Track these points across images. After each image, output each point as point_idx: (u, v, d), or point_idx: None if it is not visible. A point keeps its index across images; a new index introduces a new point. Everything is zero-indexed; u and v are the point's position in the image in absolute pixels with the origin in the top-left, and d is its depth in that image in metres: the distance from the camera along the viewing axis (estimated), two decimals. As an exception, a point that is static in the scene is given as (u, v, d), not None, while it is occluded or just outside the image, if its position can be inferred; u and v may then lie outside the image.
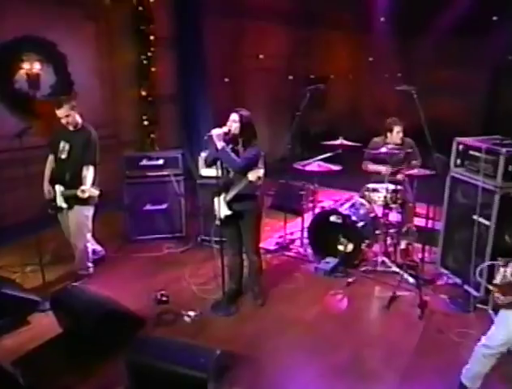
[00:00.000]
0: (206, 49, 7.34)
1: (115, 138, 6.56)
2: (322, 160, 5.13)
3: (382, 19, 9.56)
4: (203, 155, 5.09)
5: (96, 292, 3.81)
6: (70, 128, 4.27)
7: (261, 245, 4.30)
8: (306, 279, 4.57)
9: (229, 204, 3.86)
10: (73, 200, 4.20)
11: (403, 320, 3.87)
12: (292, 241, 5.42)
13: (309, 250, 5.08)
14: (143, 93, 6.88)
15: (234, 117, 3.75)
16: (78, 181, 4.14)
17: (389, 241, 4.93)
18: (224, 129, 3.74)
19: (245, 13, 8.16)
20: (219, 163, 3.79)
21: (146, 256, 5.06)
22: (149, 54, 6.80)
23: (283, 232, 5.43)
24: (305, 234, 5.16)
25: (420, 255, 4.73)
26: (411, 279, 4.37)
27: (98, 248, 4.85)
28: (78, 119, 4.28)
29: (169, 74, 7.23)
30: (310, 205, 5.66)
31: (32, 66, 5.68)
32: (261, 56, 8.72)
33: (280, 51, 9.10)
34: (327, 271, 4.62)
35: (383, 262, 4.72)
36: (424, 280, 4.36)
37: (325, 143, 5.04)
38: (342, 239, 4.77)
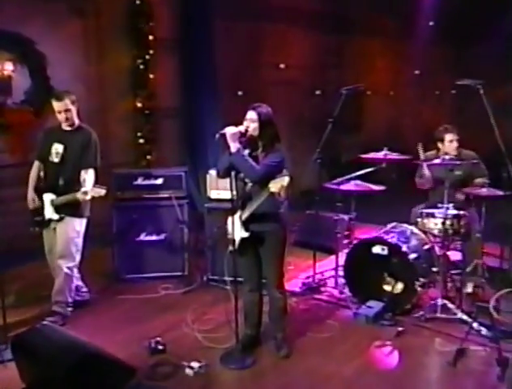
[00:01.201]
0: (216, 55, 7.53)
1: (103, 160, 6.56)
2: (360, 177, 5.14)
3: (431, 23, 9.75)
4: (213, 172, 5.18)
5: (73, 335, 3.69)
6: (66, 127, 4.46)
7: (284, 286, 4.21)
8: (343, 327, 4.49)
9: (246, 224, 3.81)
10: (65, 210, 4.37)
11: (475, 381, 3.74)
12: (324, 281, 5.37)
13: (347, 292, 5.02)
14: (139, 105, 7.01)
15: (251, 115, 3.74)
16: (73, 187, 4.32)
17: (450, 281, 4.83)
18: (241, 128, 3.74)
19: (264, 14, 8.40)
20: (233, 173, 3.80)
21: (138, 298, 5.02)
22: (147, 58, 6.98)
23: (312, 272, 5.37)
24: (341, 272, 5.11)
25: (493, 301, 4.55)
26: (484, 331, 4.19)
27: (83, 287, 4.84)
28: (76, 118, 4.48)
29: (171, 82, 7.39)
30: (347, 241, 5.59)
31: (2, 67, 5.85)
32: (282, 66, 8.90)
33: (305, 60, 9.30)
34: (370, 317, 4.52)
35: (444, 308, 4.58)
36: (502, 332, 4.15)
37: (364, 156, 5.03)
38: (388, 277, 4.68)
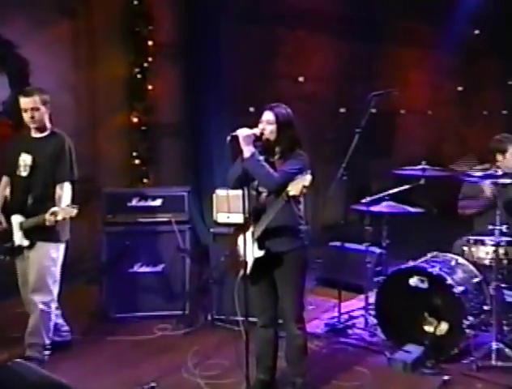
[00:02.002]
0: (225, 64, 7.64)
1: (92, 183, 6.64)
2: (394, 197, 5.15)
3: (477, 31, 9.84)
4: (220, 192, 5.25)
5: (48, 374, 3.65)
6: (34, 134, 4.42)
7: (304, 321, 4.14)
8: (375, 375, 4.43)
9: (260, 242, 3.78)
10: (37, 234, 4.28)
11: None
12: (351, 322, 5.33)
13: (379, 334, 4.97)
14: (135, 120, 7.09)
15: (268, 116, 3.79)
16: (44, 205, 4.23)
17: (506, 322, 4.70)
18: (255, 130, 3.76)
19: (280, 18, 8.51)
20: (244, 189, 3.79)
21: (129, 340, 5.01)
22: (145, 66, 7.09)
23: (337, 312, 5.33)
24: (372, 311, 5.08)
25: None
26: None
27: (63, 325, 4.78)
28: (47, 122, 4.45)
29: (172, 95, 7.50)
30: (378, 278, 5.56)
31: (-25, 75, 5.97)
32: (301, 79, 8.96)
33: (328, 73, 9.37)
34: (408, 364, 4.43)
35: (500, 354, 4.47)
36: None
37: (398, 171, 5.08)
38: (430, 316, 4.60)
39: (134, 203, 5.44)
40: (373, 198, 5.15)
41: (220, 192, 5.28)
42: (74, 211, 4.16)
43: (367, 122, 5.24)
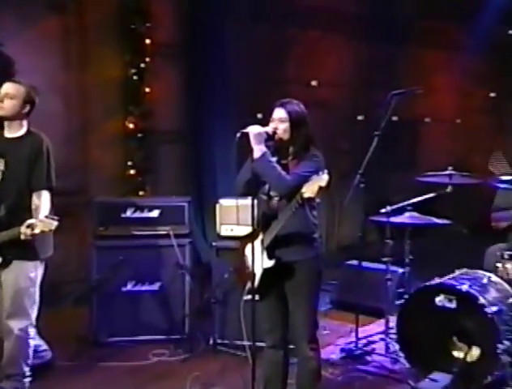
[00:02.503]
0: (230, 66, 7.70)
1: (82, 195, 6.68)
2: (417, 207, 5.16)
3: (511, 31, 9.83)
4: (224, 202, 5.32)
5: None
6: (8, 134, 4.27)
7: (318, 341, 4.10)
8: None
9: (270, 251, 3.77)
10: (12, 250, 4.10)
11: None
12: (370, 347, 5.32)
13: (401, 361, 4.95)
14: (130, 126, 7.12)
15: (279, 113, 3.81)
16: (19, 217, 4.05)
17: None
18: (267, 128, 3.78)
19: (291, 17, 8.56)
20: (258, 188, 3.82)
21: (122, 366, 5.01)
22: (142, 66, 7.13)
23: (355, 337, 5.33)
24: (393, 335, 5.07)
25: None
26: None
27: (41, 345, 4.71)
28: (24, 121, 4.31)
29: (172, 99, 7.54)
30: (401, 301, 5.53)
31: (-46, 75, 5.98)
32: (314, 83, 8.97)
33: (344, 77, 9.37)
34: None
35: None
36: None
37: (422, 178, 5.14)
38: (459, 340, 4.54)
39: (128, 214, 5.46)
40: (393, 207, 5.13)
41: (225, 202, 5.30)
42: (55, 224, 3.93)
43: (386, 126, 5.24)
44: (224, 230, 5.30)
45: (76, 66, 6.82)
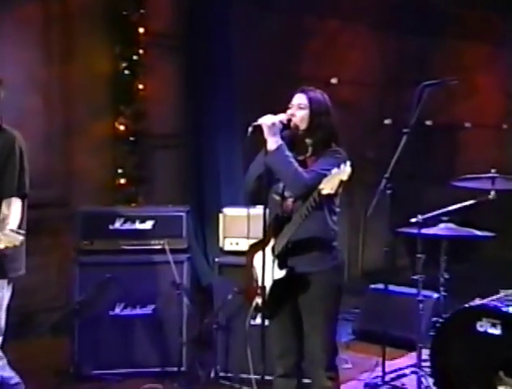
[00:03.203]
0: (236, 61, 7.73)
1: (64, 208, 6.67)
2: (454, 216, 5.13)
3: None
4: (229, 210, 5.36)
5: None
6: None
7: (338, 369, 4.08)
8: None
9: (282, 259, 3.76)
10: None
11: None
12: (399, 381, 5.32)
13: None
14: (121, 128, 7.14)
15: (299, 99, 3.87)
16: None
17: None
18: (282, 116, 3.80)
19: (307, 4, 8.57)
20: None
21: None
22: (134, 59, 7.16)
23: (381, 372, 5.28)
24: (426, 367, 5.05)
25: None
26: None
27: (12, 377, 4.66)
28: None
29: (169, 97, 7.57)
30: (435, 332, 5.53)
31: None
32: (333, 80, 8.94)
33: (370, 74, 9.43)
34: None
35: None
36: None
37: (459, 182, 5.12)
38: (505, 374, 4.48)
39: (117, 225, 5.46)
40: (426, 216, 5.09)
41: (229, 211, 5.32)
42: (20, 239, 3.84)
43: (417, 125, 5.22)
44: (229, 244, 5.30)
45: (58, 59, 6.85)
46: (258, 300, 3.79)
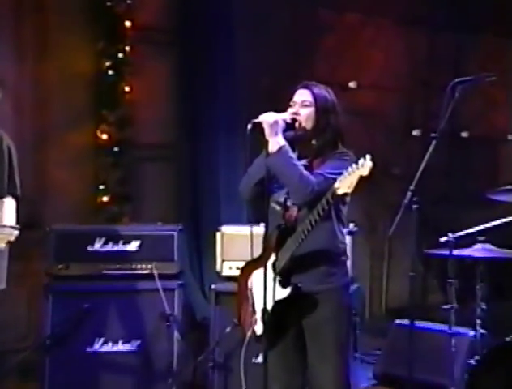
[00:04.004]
0: (239, 60, 7.79)
1: (35, 230, 6.60)
2: (492, 235, 5.11)
3: None
4: (228, 229, 5.44)
5: None
6: None
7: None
8: None
9: (285, 276, 3.77)
10: None
11: None
12: None
13: None
14: (103, 137, 7.17)
15: (302, 95, 3.94)
16: None
17: None
18: (285, 115, 3.84)
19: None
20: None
21: None
22: (120, 57, 7.21)
23: None
24: None
25: None
26: None
27: None
28: None
29: (160, 101, 7.61)
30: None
31: None
32: (352, 84, 8.98)
33: (394, 77, 9.37)
34: None
35: None
36: None
37: (496, 196, 5.24)
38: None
39: (97, 246, 5.47)
40: (458, 234, 5.09)
41: (228, 229, 5.37)
42: (15, 234, 4.19)
43: (447, 132, 5.22)
44: (227, 268, 5.32)
45: (32, 57, 6.93)
46: (256, 328, 3.82)
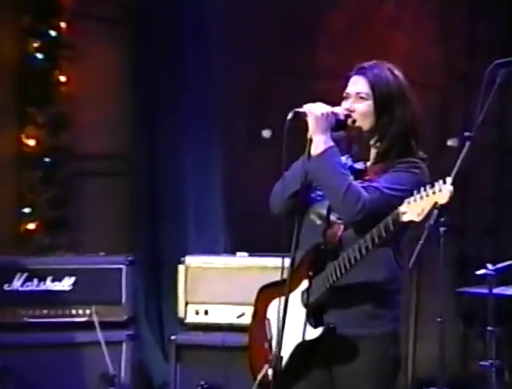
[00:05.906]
0: (217, 47, 7.86)
1: None
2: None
3: None
4: (194, 260, 5.43)
5: None
6: None
7: None
8: None
9: (318, 313, 3.77)
10: None
11: None
12: None
13: None
14: (30, 143, 7.19)
15: (357, 84, 3.95)
16: None
17: None
18: (338, 109, 3.84)
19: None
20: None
21: None
22: (53, 36, 7.25)
23: None
24: None
25: None
26: None
27: None
28: None
29: (108, 96, 7.68)
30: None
31: None
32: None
33: (422, 70, 9.43)
34: None
35: None
36: None
37: None
38: None
39: (16, 284, 5.48)
40: (501, 265, 5.10)
41: (194, 261, 5.41)
42: None
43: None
44: (193, 313, 5.33)
45: None
46: (269, 370, 3.82)
